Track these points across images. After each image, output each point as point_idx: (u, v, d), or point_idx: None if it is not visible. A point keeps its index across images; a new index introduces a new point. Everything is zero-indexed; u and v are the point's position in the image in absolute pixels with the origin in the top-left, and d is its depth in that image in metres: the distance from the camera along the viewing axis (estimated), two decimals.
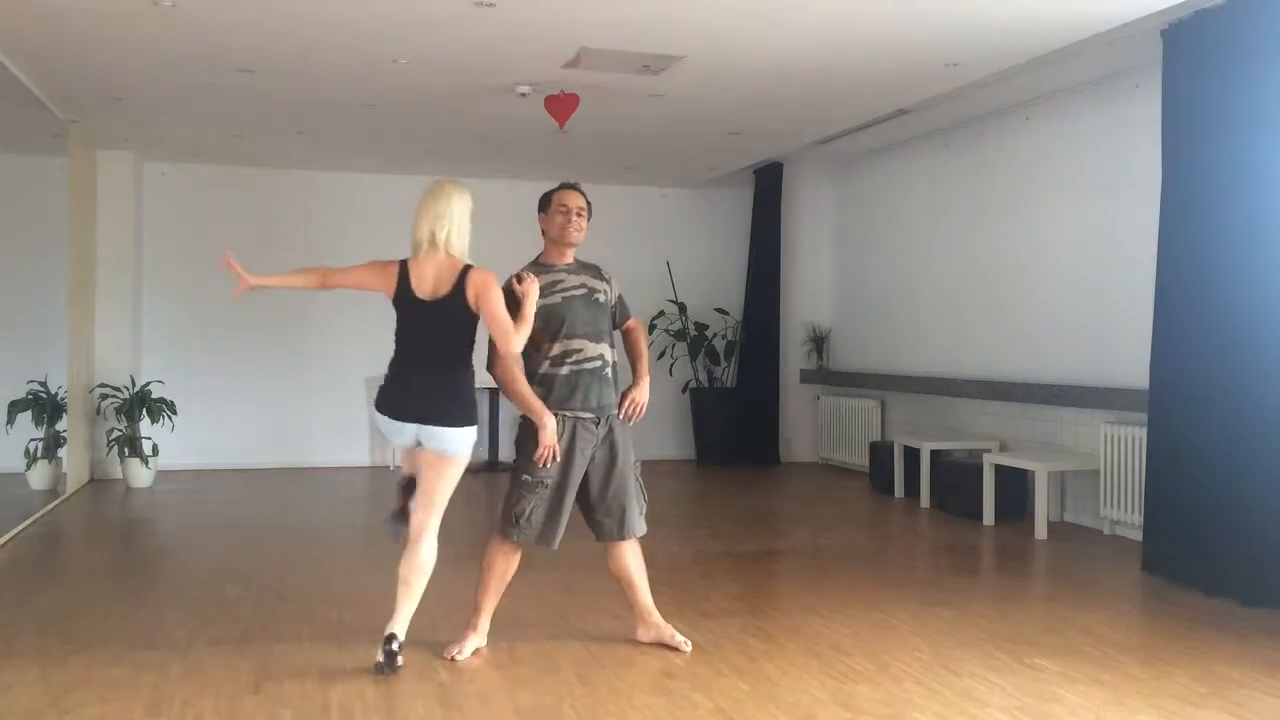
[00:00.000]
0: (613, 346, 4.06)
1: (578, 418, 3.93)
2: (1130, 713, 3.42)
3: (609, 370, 4.01)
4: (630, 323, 4.20)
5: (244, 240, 9.44)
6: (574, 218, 3.99)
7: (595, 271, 4.11)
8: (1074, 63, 6.05)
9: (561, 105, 6.50)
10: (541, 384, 3.94)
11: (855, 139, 8.33)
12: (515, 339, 3.74)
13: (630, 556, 4.07)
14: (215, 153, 8.79)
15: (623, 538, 4.02)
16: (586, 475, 3.98)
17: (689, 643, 4.06)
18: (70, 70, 6.17)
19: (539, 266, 4.02)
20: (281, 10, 5.05)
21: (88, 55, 5.84)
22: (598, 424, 3.97)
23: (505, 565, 4.00)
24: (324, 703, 3.45)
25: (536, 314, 3.87)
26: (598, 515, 4.01)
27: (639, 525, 4.05)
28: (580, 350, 3.94)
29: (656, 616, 4.13)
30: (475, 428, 3.89)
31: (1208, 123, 5.05)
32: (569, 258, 4.05)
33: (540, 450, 3.85)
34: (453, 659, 3.89)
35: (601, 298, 4.04)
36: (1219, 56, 4.96)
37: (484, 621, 4.03)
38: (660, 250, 9.97)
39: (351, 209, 9.64)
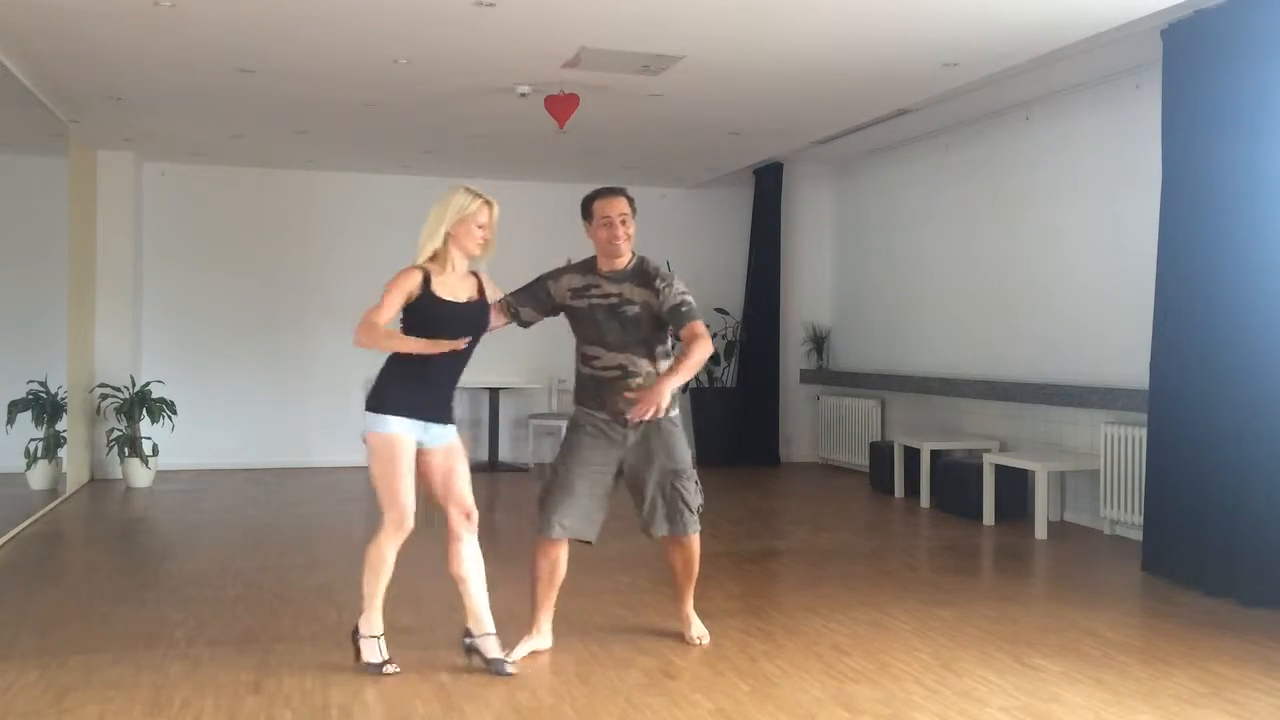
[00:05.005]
0: (649, 358, 3.94)
1: (591, 416, 3.99)
2: (1130, 712, 3.42)
3: (635, 381, 3.90)
4: (684, 331, 3.88)
5: (244, 240, 9.48)
6: (618, 227, 3.91)
7: (643, 278, 3.94)
8: (1074, 63, 6.05)
9: (561, 105, 6.50)
10: (576, 379, 4.07)
11: (855, 139, 8.33)
12: (360, 330, 3.60)
13: (675, 554, 4.11)
14: (215, 153, 8.79)
15: (648, 535, 4.06)
16: (628, 474, 4.01)
17: (702, 639, 4.11)
18: (70, 70, 6.17)
19: (583, 266, 4.03)
20: (281, 10, 5.05)
21: (88, 55, 5.84)
22: (636, 429, 3.94)
23: (542, 562, 3.98)
24: (324, 703, 3.46)
25: (571, 315, 4.01)
26: (640, 513, 4.05)
27: (660, 527, 4.01)
28: (598, 357, 3.96)
29: (688, 610, 4.19)
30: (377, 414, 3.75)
31: (1208, 123, 5.05)
32: (618, 264, 3.96)
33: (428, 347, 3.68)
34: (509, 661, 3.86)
35: (631, 310, 3.90)
36: (1219, 56, 4.96)
37: (541, 622, 4.02)
38: (660, 250, 9.85)
39: (351, 209, 9.64)
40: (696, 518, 4.05)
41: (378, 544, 3.75)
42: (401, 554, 3.81)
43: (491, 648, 3.79)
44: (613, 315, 3.93)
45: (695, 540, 4.09)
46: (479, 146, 8.29)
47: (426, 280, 3.69)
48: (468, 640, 3.83)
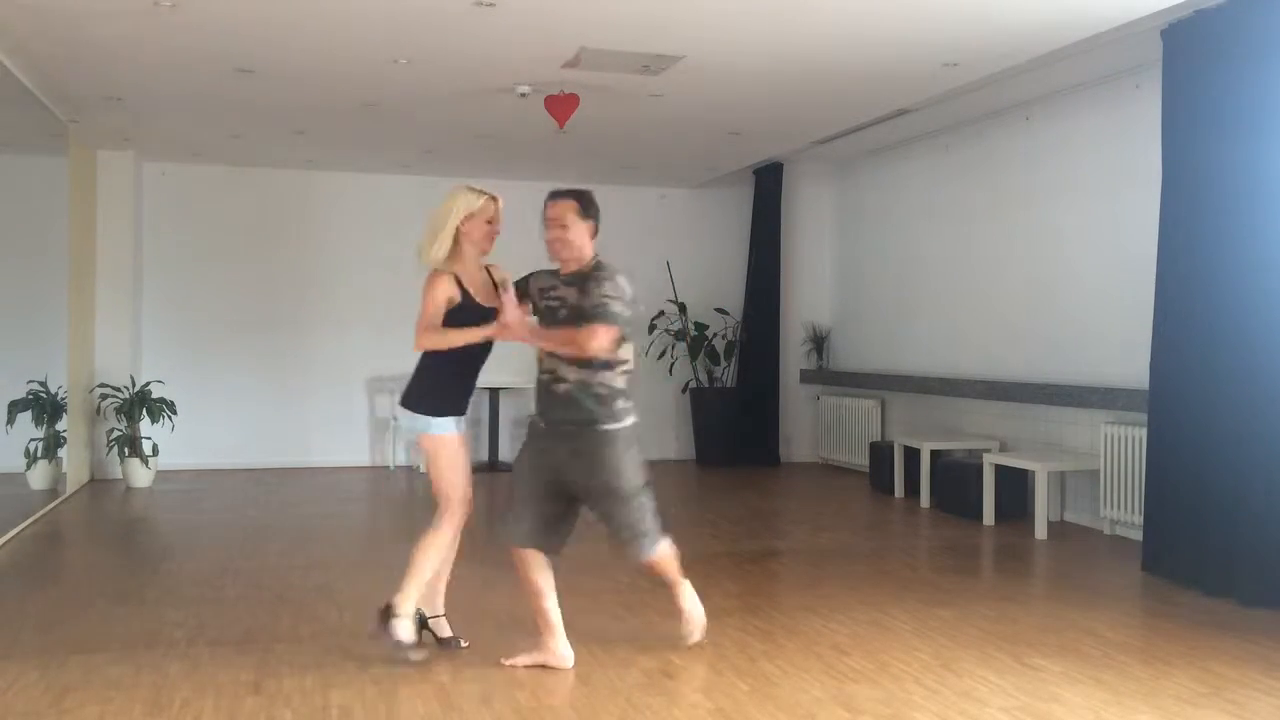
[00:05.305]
0: (579, 364, 3.73)
1: (534, 421, 3.96)
2: (1130, 712, 3.42)
3: (561, 387, 3.76)
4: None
5: (244, 240, 9.48)
6: (553, 230, 3.80)
7: (582, 283, 3.77)
8: (1074, 63, 6.05)
9: (561, 105, 6.50)
10: None
11: (855, 139, 8.33)
12: (421, 334, 3.81)
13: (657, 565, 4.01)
14: (215, 153, 8.79)
15: (617, 547, 3.94)
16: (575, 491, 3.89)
17: (692, 634, 4.09)
18: (70, 70, 6.16)
19: (549, 269, 3.98)
20: (281, 11, 5.05)
21: (88, 55, 5.84)
22: (562, 437, 3.81)
23: (519, 571, 3.89)
24: (324, 703, 3.46)
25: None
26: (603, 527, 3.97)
27: (621, 550, 3.89)
28: (541, 362, 3.90)
29: (681, 603, 4.09)
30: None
31: (1208, 123, 5.05)
32: (573, 267, 3.86)
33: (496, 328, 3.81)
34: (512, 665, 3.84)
35: (561, 313, 3.78)
36: (1219, 56, 4.96)
37: (544, 638, 3.85)
38: (660, 250, 9.97)
39: (351, 209, 9.64)
40: (648, 539, 3.82)
41: (440, 530, 3.87)
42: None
43: (444, 628, 4.03)
44: (551, 319, 3.85)
45: (657, 559, 3.90)
46: (479, 147, 8.30)
47: (460, 285, 3.82)
48: (419, 615, 4.00)
